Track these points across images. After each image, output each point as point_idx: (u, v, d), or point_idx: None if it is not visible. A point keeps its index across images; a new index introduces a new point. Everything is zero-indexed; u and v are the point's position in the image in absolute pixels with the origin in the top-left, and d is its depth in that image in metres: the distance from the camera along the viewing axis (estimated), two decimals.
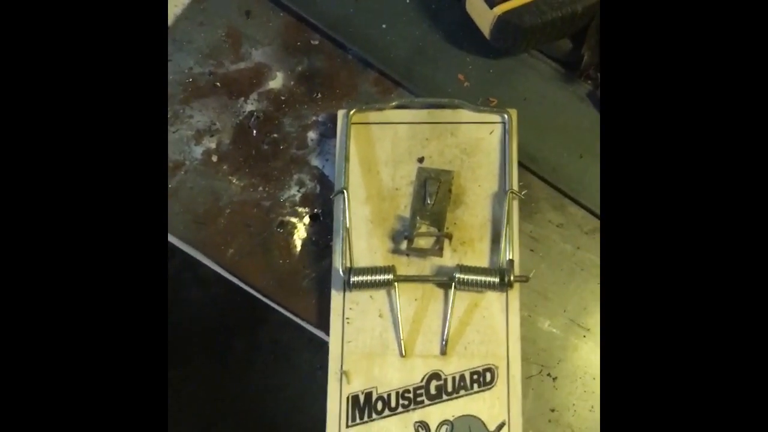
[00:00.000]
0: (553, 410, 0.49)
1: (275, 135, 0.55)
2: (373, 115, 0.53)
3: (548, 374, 0.50)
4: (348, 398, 0.47)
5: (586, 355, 0.50)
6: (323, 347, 0.49)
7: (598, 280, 0.51)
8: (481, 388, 0.47)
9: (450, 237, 0.49)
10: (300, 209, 0.53)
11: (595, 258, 0.52)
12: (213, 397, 1.18)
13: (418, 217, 0.50)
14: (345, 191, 0.49)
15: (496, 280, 0.47)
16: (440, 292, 0.49)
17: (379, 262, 0.49)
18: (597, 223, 0.52)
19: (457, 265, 0.48)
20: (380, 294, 0.49)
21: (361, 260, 0.49)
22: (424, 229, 0.49)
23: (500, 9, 0.49)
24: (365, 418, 0.47)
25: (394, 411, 0.47)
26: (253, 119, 0.55)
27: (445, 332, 0.47)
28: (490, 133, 0.52)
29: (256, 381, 1.20)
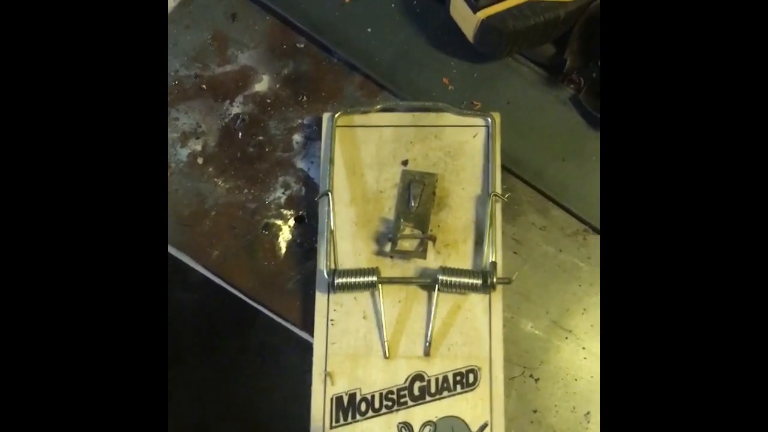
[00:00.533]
0: (535, 411, 0.50)
1: (261, 137, 0.55)
2: (358, 118, 0.53)
3: (530, 375, 0.50)
4: (332, 399, 0.47)
5: (568, 357, 0.50)
6: (312, 350, 0.49)
7: (579, 282, 0.52)
8: (464, 389, 0.47)
9: (434, 239, 0.50)
10: (285, 211, 0.54)
11: (577, 260, 0.52)
12: (201, 398, 1.18)
13: (402, 220, 0.50)
14: (330, 194, 0.50)
15: (479, 282, 0.47)
16: (424, 293, 0.49)
17: (364, 264, 0.50)
18: (579, 225, 0.53)
19: (441, 267, 0.48)
20: (364, 296, 0.49)
21: (346, 262, 0.50)
22: (408, 231, 0.50)
23: (484, 14, 0.50)
24: (349, 419, 0.47)
25: (377, 412, 0.47)
26: (238, 122, 0.56)
27: (429, 334, 0.48)
28: (474, 136, 0.52)
29: (244, 383, 1.20)
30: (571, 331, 0.51)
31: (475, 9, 0.50)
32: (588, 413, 0.49)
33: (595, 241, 0.52)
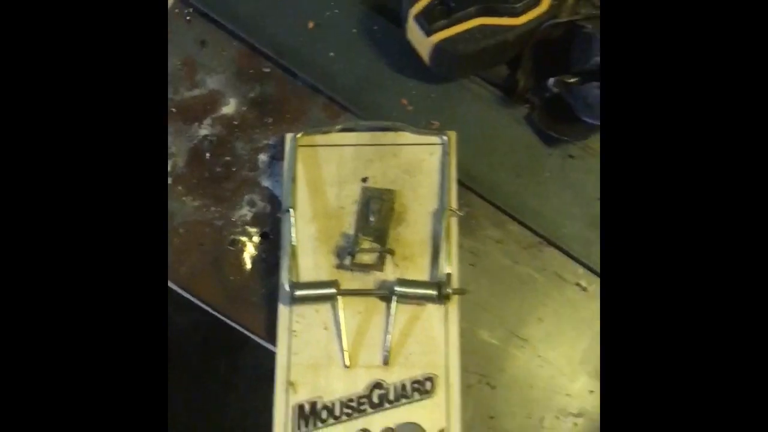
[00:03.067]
0: (492, 417, 0.51)
1: (228, 158, 0.57)
2: (319, 138, 0.55)
3: (488, 383, 0.52)
4: (294, 408, 0.49)
5: (524, 365, 0.52)
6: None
7: (535, 293, 0.54)
8: (421, 397, 0.49)
9: (392, 253, 0.52)
10: (251, 228, 0.56)
11: (532, 272, 0.54)
12: (187, 416, 1.18)
13: (361, 234, 0.52)
14: (291, 210, 0.52)
15: (434, 292, 0.49)
16: (383, 305, 0.51)
17: (324, 278, 0.51)
18: (534, 238, 0.55)
19: (398, 279, 0.50)
20: (325, 308, 0.51)
21: (307, 276, 0.52)
22: (367, 245, 0.52)
23: (437, 37, 0.52)
24: (310, 427, 0.49)
25: (338, 419, 0.49)
26: (206, 143, 0.58)
27: (387, 343, 0.50)
28: (431, 154, 0.54)
29: (234, 404, 1.20)
30: (527, 340, 0.53)
31: (428, 33, 0.53)
32: (542, 418, 0.51)
33: (549, 252, 0.54)
